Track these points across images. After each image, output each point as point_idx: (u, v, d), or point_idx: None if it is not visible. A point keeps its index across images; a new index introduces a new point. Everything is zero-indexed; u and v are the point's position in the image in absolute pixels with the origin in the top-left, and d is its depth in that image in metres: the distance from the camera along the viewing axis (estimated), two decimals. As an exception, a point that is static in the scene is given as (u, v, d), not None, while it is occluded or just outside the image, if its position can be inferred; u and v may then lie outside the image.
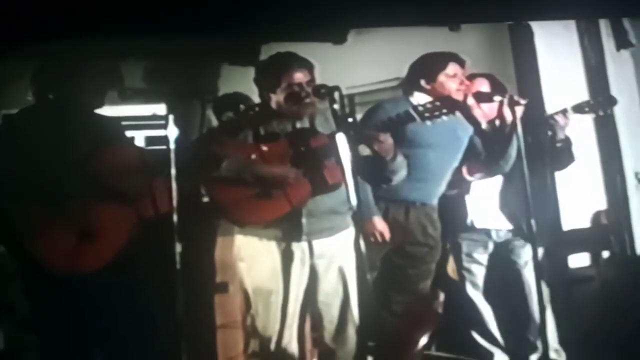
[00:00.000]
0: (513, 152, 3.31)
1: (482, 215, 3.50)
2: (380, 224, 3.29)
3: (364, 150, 3.07)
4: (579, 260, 3.87)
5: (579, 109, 3.44)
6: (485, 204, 3.51)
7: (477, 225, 3.51)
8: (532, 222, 3.18)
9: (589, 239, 3.90)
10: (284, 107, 3.01)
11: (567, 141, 3.45)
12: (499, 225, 3.50)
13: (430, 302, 3.44)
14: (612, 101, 3.50)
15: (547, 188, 3.56)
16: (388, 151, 2.99)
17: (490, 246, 3.55)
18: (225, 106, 2.93)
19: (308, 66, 3.05)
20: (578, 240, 3.68)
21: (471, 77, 3.47)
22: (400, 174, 3.11)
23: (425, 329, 3.16)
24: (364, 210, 3.20)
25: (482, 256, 3.55)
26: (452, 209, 3.49)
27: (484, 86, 3.45)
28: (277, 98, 3.02)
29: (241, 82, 4.15)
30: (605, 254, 3.97)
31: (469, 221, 3.51)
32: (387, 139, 2.97)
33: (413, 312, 3.34)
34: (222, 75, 4.62)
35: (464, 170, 3.45)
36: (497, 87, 3.44)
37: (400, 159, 3.06)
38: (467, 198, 3.50)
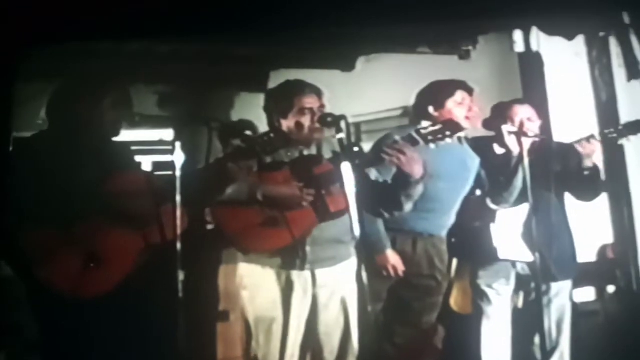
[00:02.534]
0: (518, 183, 3.29)
1: (506, 246, 3.39)
2: (393, 258, 3.26)
3: (372, 174, 3.07)
4: (583, 294, 3.82)
5: (605, 135, 3.38)
6: (510, 234, 3.40)
7: (500, 256, 3.39)
8: (537, 255, 3.18)
9: (595, 273, 3.84)
10: (294, 132, 3.03)
11: (594, 169, 3.37)
12: (524, 257, 3.36)
13: (430, 337, 3.41)
14: None
15: (567, 219, 3.48)
16: (415, 169, 2.94)
17: (513, 278, 3.43)
18: (231, 133, 2.94)
19: (318, 92, 3.08)
20: (583, 274, 3.60)
21: (512, 104, 3.45)
22: (412, 204, 3.07)
23: (424, 364, 3.16)
24: (376, 242, 3.22)
25: (504, 288, 3.42)
26: (474, 239, 3.41)
27: (531, 111, 3.43)
28: (288, 124, 3.04)
29: (249, 108, 4.18)
30: (611, 288, 3.92)
31: (491, 251, 3.39)
32: (415, 155, 2.93)
33: (413, 346, 3.31)
34: (230, 102, 4.64)
35: (488, 199, 3.39)
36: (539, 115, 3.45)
37: (422, 187, 3.01)
38: (492, 228, 3.40)
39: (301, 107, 3.03)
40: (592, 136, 3.35)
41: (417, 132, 2.96)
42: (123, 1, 3.08)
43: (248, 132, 2.83)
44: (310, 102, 3.04)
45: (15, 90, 3.02)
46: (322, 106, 3.06)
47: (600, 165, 3.46)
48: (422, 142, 2.93)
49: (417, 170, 2.96)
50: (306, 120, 3.03)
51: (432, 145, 2.95)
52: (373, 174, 3.08)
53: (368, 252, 3.15)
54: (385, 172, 3.11)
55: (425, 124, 3.22)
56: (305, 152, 3.08)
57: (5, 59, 2.98)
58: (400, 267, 3.28)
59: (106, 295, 2.74)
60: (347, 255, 3.01)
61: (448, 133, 2.93)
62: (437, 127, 2.95)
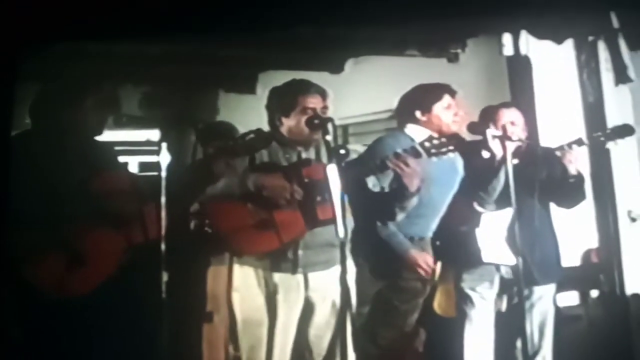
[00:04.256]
0: (497, 185, 3.29)
1: (490, 249, 3.37)
2: (420, 256, 3.27)
3: (369, 182, 3.09)
4: (567, 298, 3.81)
5: (594, 138, 3.39)
6: (494, 237, 3.37)
7: (485, 259, 3.37)
8: (519, 259, 3.18)
9: (579, 277, 3.84)
10: (295, 132, 3.01)
11: (579, 177, 3.35)
12: (508, 260, 3.33)
13: (412, 340, 3.42)
14: (630, 130, 3.39)
15: (551, 223, 3.47)
16: (414, 182, 2.96)
17: (497, 282, 3.40)
18: (210, 135, 2.93)
19: (323, 93, 3.06)
20: (567, 278, 3.57)
21: (498, 107, 3.45)
22: (405, 214, 3.09)
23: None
24: (396, 245, 3.24)
25: (488, 292, 3.39)
26: (459, 242, 3.40)
27: (516, 115, 3.43)
28: (289, 123, 3.02)
29: (236, 110, 4.19)
30: (594, 293, 3.92)
31: (476, 254, 3.37)
32: (417, 168, 2.95)
33: (395, 349, 3.32)
34: (219, 103, 4.64)
35: (475, 203, 3.38)
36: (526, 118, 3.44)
37: (416, 199, 3.03)
38: (477, 231, 3.38)
39: (304, 107, 2.99)
40: (577, 141, 3.33)
41: (421, 145, 2.98)
42: (114, 3, 3.08)
43: (227, 134, 2.81)
44: (314, 102, 3.01)
45: (14, 91, 3.02)
46: (325, 107, 3.03)
47: (586, 171, 3.46)
48: (425, 155, 2.96)
49: (415, 184, 2.98)
50: (308, 120, 2.97)
51: (434, 159, 2.98)
52: (371, 181, 3.10)
53: (388, 256, 3.23)
54: (383, 178, 3.13)
55: (416, 131, 3.27)
56: (304, 154, 3.06)
57: (3, 59, 2.98)
58: (430, 261, 3.28)
59: (90, 295, 2.75)
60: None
61: (451, 147, 2.96)
62: (441, 141, 2.97)
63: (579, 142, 3.35)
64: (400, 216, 3.10)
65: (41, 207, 2.74)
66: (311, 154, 3.07)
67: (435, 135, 3.14)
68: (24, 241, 2.73)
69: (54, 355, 2.79)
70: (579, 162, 3.34)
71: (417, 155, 2.95)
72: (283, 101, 3.04)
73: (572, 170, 3.33)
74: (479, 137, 3.40)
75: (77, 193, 2.77)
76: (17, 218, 2.76)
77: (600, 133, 3.43)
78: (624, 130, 3.41)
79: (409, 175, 2.95)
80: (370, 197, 3.06)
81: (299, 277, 3.01)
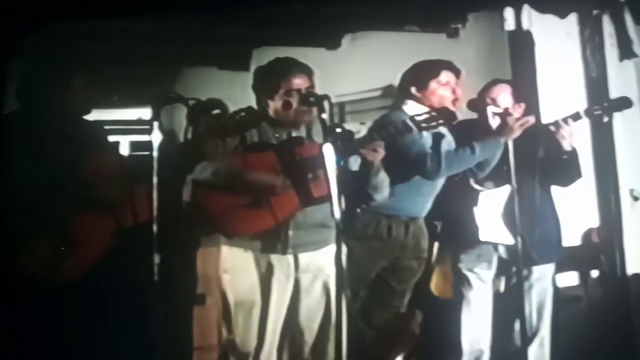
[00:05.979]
0: (492, 161, 3.24)
1: (488, 228, 3.30)
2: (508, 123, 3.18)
3: (354, 164, 3.03)
4: (566, 279, 3.77)
5: (591, 112, 3.30)
6: (492, 217, 3.30)
7: (482, 238, 3.31)
8: (519, 239, 3.13)
9: (579, 257, 3.78)
10: (282, 114, 2.96)
11: (573, 154, 3.27)
12: (506, 239, 3.28)
13: (407, 322, 3.39)
14: (627, 103, 3.31)
15: (552, 202, 3.41)
16: (376, 155, 2.92)
17: (495, 262, 3.35)
18: (200, 113, 2.88)
19: (308, 72, 2.99)
20: (567, 258, 3.52)
21: (494, 83, 3.38)
22: (382, 192, 3.04)
23: (401, 349, 3.13)
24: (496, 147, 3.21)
25: (485, 272, 3.35)
26: (456, 222, 3.35)
27: (504, 93, 3.35)
28: (275, 105, 2.96)
29: (230, 87, 4.13)
30: (595, 273, 3.88)
31: (474, 234, 3.30)
32: (381, 148, 2.91)
33: (390, 332, 3.30)
34: (212, 80, 4.57)
35: (472, 180, 3.33)
36: (518, 96, 3.36)
37: (382, 174, 2.99)
38: (475, 211, 3.31)
39: (289, 88, 2.94)
40: (573, 116, 3.25)
41: (412, 119, 2.95)
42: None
43: (216, 111, 2.76)
44: (298, 83, 2.94)
45: (7, 70, 2.97)
46: (310, 86, 2.96)
47: (583, 147, 3.39)
48: (416, 129, 2.93)
49: (377, 158, 2.92)
50: (294, 102, 2.93)
51: (424, 133, 2.97)
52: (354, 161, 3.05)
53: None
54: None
55: (414, 108, 3.22)
56: (294, 133, 3.00)
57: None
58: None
59: (80, 280, 2.71)
60: (331, 239, 2.88)
61: (441, 121, 2.93)
62: (430, 115, 2.94)
63: (575, 117, 3.26)
64: (377, 196, 3.03)
65: (29, 190, 2.70)
66: (302, 132, 3.02)
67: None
68: (13, 226, 2.70)
69: (45, 340, 2.75)
70: (573, 137, 3.26)
71: (407, 129, 2.93)
72: (266, 84, 2.99)
73: (566, 146, 3.25)
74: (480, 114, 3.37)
75: (66, 176, 2.74)
76: (5, 202, 2.73)
77: (597, 107, 3.34)
78: (622, 103, 3.33)
79: (369, 151, 2.91)
80: (354, 178, 3.00)
81: (289, 257, 2.97)
